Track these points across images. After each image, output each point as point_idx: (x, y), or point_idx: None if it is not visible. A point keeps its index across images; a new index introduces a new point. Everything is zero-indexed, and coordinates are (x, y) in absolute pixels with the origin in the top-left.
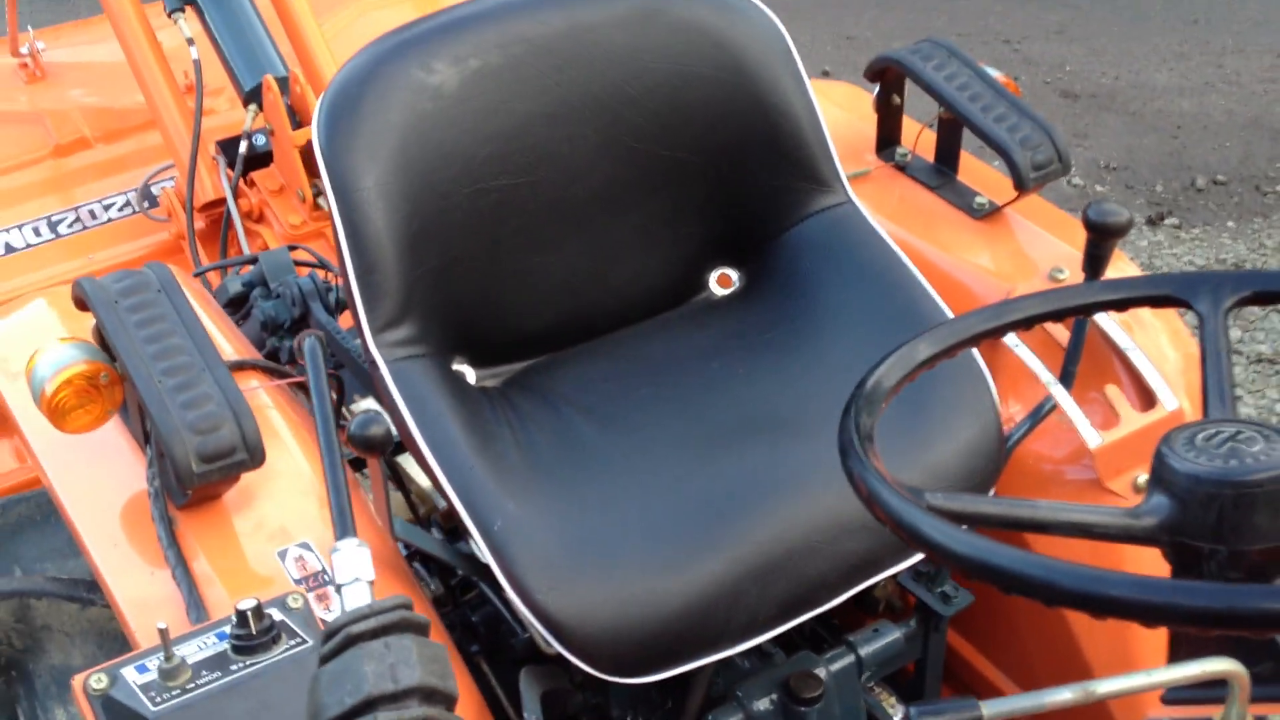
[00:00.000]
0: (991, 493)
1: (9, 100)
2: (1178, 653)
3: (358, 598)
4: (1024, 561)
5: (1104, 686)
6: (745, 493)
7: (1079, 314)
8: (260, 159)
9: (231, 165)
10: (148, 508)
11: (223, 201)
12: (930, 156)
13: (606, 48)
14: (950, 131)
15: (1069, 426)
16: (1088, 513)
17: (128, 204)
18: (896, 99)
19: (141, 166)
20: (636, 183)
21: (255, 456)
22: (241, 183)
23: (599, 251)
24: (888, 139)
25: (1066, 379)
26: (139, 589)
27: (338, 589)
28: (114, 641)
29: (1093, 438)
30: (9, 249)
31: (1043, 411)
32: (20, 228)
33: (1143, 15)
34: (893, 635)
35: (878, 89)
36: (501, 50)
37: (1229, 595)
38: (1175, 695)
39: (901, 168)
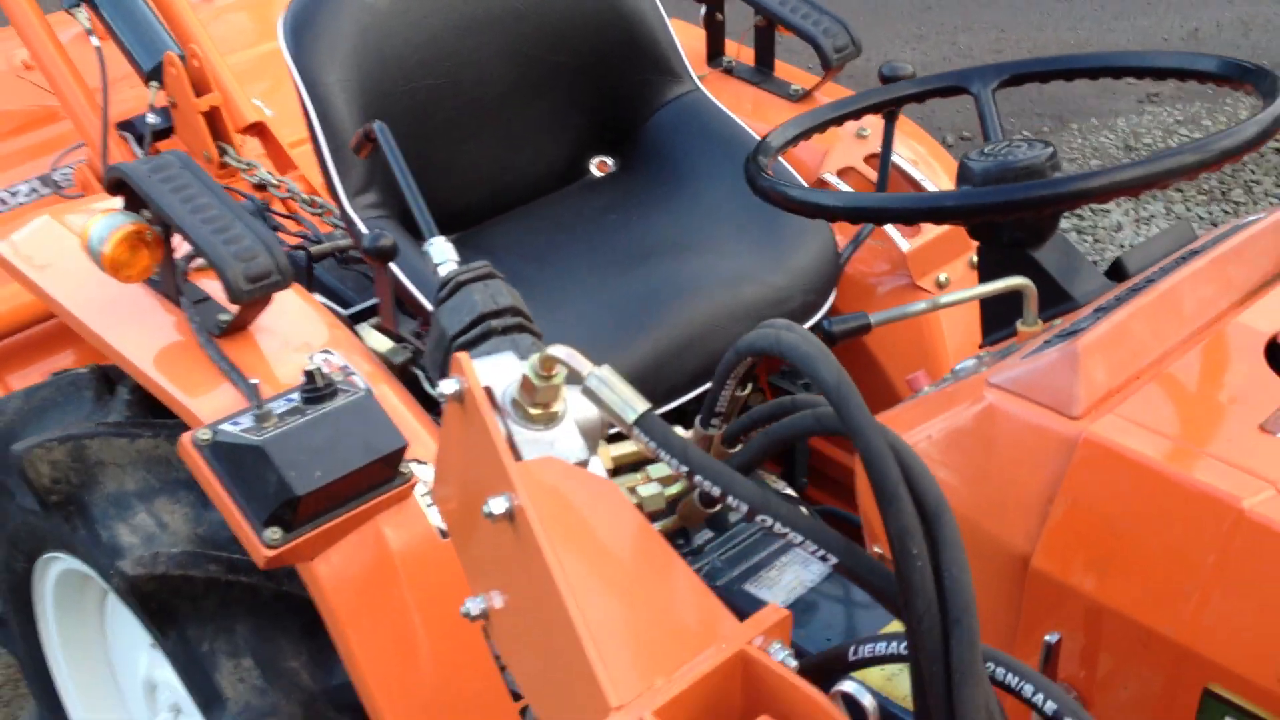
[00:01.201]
0: (833, 294)
1: None
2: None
3: (448, 270)
4: (887, 198)
5: (946, 299)
6: (657, 294)
7: (896, 105)
8: (160, 133)
9: (139, 140)
10: (191, 344)
11: None
12: (749, 65)
13: None
14: (765, 37)
15: (885, 248)
16: (919, 197)
17: (33, 190)
18: (719, 16)
19: (33, 159)
20: (531, 83)
21: (286, 278)
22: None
23: (505, 142)
24: (715, 51)
25: None
26: (203, 399)
27: (436, 268)
28: (160, 465)
29: (904, 244)
30: None
31: (864, 233)
32: None
33: (882, 5)
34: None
35: (704, 9)
36: None
37: (1006, 191)
38: (988, 340)
39: (729, 71)
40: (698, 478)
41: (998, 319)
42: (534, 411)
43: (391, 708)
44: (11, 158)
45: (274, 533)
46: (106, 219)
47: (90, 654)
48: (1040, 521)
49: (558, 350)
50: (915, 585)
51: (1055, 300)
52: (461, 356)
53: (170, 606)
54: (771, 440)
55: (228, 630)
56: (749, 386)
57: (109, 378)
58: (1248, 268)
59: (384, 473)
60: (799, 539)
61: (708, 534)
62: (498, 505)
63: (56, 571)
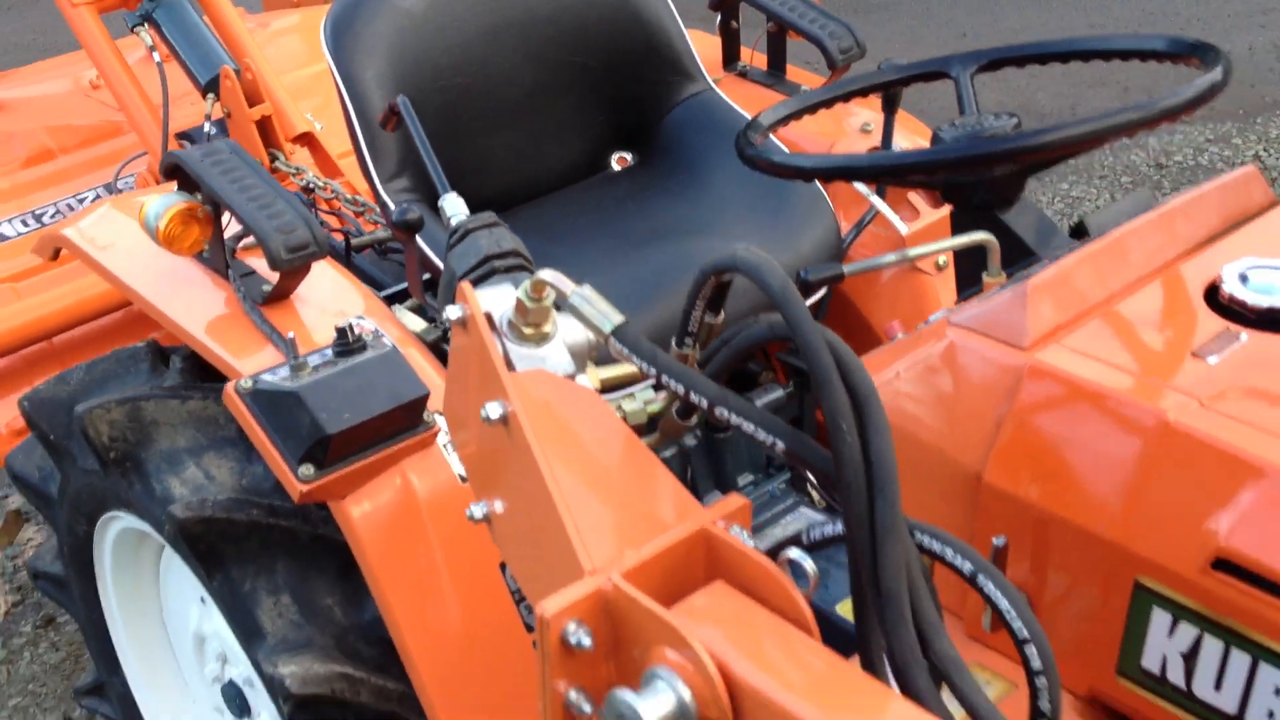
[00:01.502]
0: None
1: None
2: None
3: (459, 221)
4: (856, 158)
5: (913, 251)
6: (667, 270)
7: (884, 89)
8: None
9: None
10: (236, 311)
11: None
12: (762, 69)
13: None
14: (777, 42)
15: (887, 233)
16: (885, 155)
17: (98, 197)
18: (735, 23)
19: (99, 169)
20: (556, 83)
21: (323, 248)
22: None
23: (531, 137)
24: (730, 56)
25: (880, 193)
26: (247, 359)
27: (449, 220)
28: (209, 424)
29: (902, 227)
30: (2, 238)
31: (867, 218)
32: (10, 221)
33: (917, 35)
34: (778, 392)
35: (720, 17)
36: None
37: (974, 144)
38: (962, 297)
39: (743, 75)
40: (664, 377)
41: (971, 278)
42: (527, 331)
43: (416, 640)
44: (79, 168)
45: (307, 469)
46: (162, 198)
47: (145, 611)
48: (992, 441)
49: (546, 274)
50: (845, 458)
51: (1022, 258)
52: (465, 285)
53: (217, 549)
54: (734, 351)
55: (268, 570)
56: (721, 314)
57: (164, 352)
58: (1194, 223)
59: (408, 419)
60: (750, 427)
61: (716, 495)
62: (494, 410)
63: (115, 531)
